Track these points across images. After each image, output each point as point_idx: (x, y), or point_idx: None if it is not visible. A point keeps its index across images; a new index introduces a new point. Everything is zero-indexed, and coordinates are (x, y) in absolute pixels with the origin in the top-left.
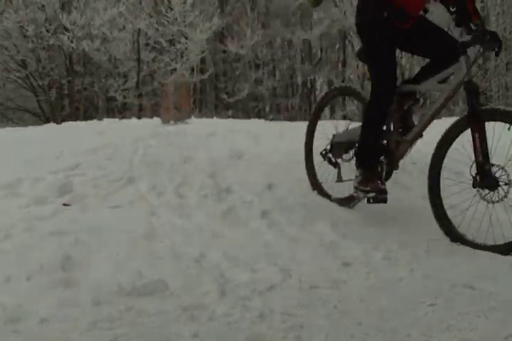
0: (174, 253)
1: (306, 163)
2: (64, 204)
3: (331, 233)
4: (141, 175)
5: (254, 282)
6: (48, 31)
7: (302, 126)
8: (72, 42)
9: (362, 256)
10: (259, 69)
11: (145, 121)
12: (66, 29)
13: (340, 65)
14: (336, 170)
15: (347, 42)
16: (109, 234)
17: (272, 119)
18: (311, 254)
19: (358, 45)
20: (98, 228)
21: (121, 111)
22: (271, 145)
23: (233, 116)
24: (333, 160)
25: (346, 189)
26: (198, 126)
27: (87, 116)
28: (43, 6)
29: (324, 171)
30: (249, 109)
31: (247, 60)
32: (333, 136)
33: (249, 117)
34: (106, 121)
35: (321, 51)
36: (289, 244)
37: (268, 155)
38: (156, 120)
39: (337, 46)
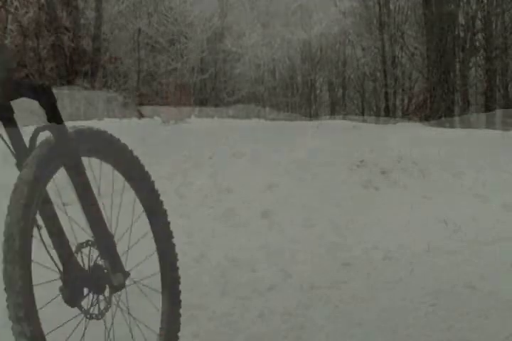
0: None
1: None
2: (64, 204)
3: (331, 233)
4: None
5: (254, 282)
6: (48, 31)
7: (302, 125)
8: (72, 41)
9: (362, 256)
10: (259, 69)
11: (145, 120)
12: (66, 28)
13: (340, 65)
14: None
15: (347, 42)
16: None
17: (272, 119)
18: (311, 254)
19: (357, 44)
20: None
21: (122, 110)
22: (271, 145)
23: (233, 116)
24: None
25: None
26: (198, 125)
27: (87, 116)
28: (43, 5)
29: None
30: (249, 108)
31: (247, 60)
32: None
33: (249, 117)
34: (106, 120)
35: (321, 51)
36: (289, 244)
37: (268, 155)
38: (157, 119)
39: (337, 46)
